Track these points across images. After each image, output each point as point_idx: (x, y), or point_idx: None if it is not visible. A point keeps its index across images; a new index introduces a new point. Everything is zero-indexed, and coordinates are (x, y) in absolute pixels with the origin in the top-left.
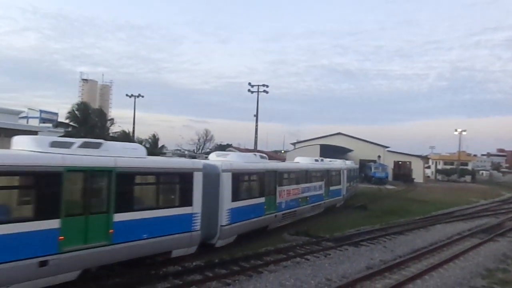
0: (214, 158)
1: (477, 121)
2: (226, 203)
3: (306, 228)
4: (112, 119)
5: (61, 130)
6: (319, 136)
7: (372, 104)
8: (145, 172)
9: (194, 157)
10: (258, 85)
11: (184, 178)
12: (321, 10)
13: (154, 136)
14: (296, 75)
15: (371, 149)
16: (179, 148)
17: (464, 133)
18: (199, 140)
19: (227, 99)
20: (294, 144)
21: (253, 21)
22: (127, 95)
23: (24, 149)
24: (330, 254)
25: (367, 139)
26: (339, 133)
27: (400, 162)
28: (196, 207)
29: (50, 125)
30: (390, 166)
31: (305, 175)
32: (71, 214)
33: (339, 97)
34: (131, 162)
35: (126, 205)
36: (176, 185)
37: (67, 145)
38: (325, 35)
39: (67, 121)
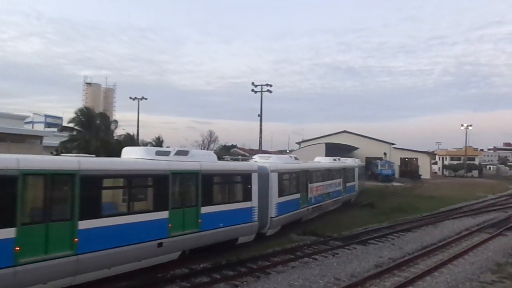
0: (259, 160)
1: (483, 116)
2: (274, 198)
3: (313, 228)
4: (116, 122)
5: (66, 134)
6: (324, 134)
7: (377, 101)
8: (219, 174)
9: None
10: (262, 85)
11: (246, 178)
12: (323, 7)
13: (158, 138)
14: (299, 74)
15: (377, 146)
16: None
17: (470, 127)
18: (203, 141)
19: (230, 99)
20: (299, 143)
21: (256, 20)
22: (130, 97)
23: (136, 158)
24: (338, 253)
25: (373, 137)
26: (344, 131)
27: (406, 159)
28: (255, 202)
29: (55, 129)
30: (397, 163)
31: (327, 173)
32: (175, 207)
33: (344, 95)
34: (210, 166)
35: (209, 200)
36: (240, 184)
37: (167, 153)
38: (328, 32)
39: (71, 125)
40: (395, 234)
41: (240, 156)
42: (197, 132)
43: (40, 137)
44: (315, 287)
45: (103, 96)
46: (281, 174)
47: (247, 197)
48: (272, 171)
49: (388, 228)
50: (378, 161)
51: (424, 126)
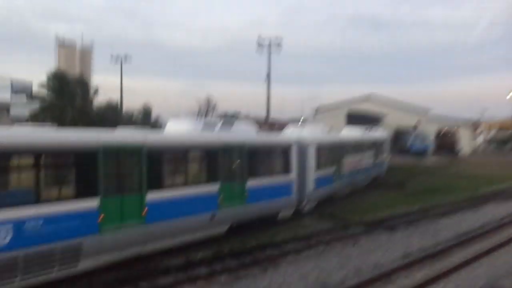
0: (293, 132)
1: None
2: (312, 172)
3: (331, 211)
4: (96, 89)
5: (37, 102)
6: (344, 100)
7: (408, 60)
8: (262, 146)
9: None
10: (270, 39)
11: (285, 151)
12: None
13: (146, 106)
14: (314, 27)
15: (408, 115)
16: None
17: None
18: (199, 109)
19: (231, 59)
20: (315, 110)
21: None
22: (112, 57)
23: (183, 130)
24: (360, 241)
25: (403, 103)
26: (369, 97)
27: (443, 130)
28: (293, 175)
29: (24, 96)
30: (432, 135)
31: (359, 147)
32: (225, 180)
33: (369, 53)
34: (253, 138)
35: (253, 173)
36: (280, 157)
37: (213, 126)
38: None
39: (42, 91)
40: (427, 220)
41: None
42: (191, 99)
43: (6, 106)
44: (332, 280)
45: (79, 57)
46: (318, 147)
47: (287, 170)
48: (310, 143)
49: (420, 212)
50: (409, 133)
51: (466, 91)
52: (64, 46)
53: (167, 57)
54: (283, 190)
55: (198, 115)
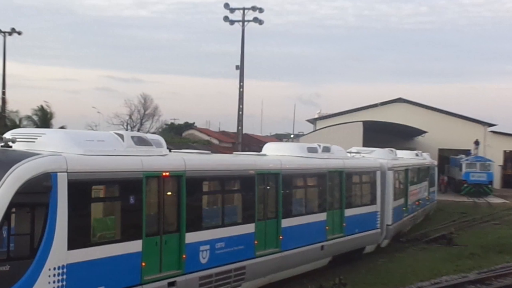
0: (365, 156)
1: None
2: (391, 201)
3: (338, 280)
4: None
5: None
6: (359, 106)
7: (460, 44)
8: (355, 172)
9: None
10: (244, 9)
11: (372, 177)
12: None
13: (42, 109)
14: None
15: (461, 129)
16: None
17: None
18: (131, 115)
19: (183, 36)
20: (313, 121)
21: None
22: None
23: (288, 155)
24: None
25: (452, 112)
26: (398, 100)
27: None
28: (378, 205)
29: None
30: (497, 160)
31: (418, 174)
32: (330, 209)
33: (398, 32)
34: (350, 163)
35: (349, 202)
36: (368, 184)
37: (315, 150)
38: None
39: None
40: None
41: (357, 152)
42: (117, 97)
43: None
44: None
45: None
46: (395, 173)
47: (373, 199)
48: (389, 168)
49: (479, 282)
50: (463, 157)
51: None
52: None
53: (80, 32)
54: (370, 221)
55: (128, 123)
